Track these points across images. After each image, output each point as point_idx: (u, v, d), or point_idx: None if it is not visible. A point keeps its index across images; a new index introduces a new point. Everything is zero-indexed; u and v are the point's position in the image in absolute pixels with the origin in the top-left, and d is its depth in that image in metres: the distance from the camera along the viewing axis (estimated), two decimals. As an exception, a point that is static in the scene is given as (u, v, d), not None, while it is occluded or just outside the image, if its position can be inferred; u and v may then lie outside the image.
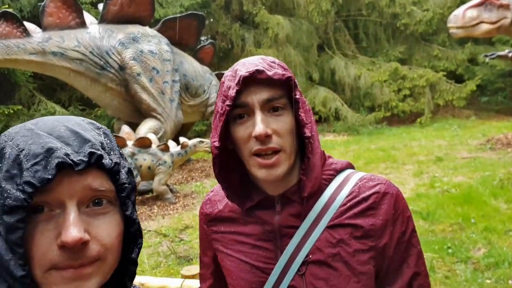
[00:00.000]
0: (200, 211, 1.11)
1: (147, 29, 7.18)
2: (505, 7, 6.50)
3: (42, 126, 0.63)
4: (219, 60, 12.93)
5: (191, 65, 7.83)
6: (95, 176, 0.61)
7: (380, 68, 12.67)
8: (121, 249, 0.66)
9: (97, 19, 7.15)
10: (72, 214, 0.59)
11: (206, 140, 6.48)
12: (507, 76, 12.61)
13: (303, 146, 0.94)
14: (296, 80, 0.93)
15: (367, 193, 0.95)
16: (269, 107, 0.90)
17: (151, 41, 7.02)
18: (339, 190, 0.97)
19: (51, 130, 0.62)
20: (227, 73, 0.96)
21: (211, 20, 13.10)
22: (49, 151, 0.59)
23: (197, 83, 7.87)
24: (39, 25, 6.31)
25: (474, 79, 12.31)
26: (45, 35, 6.21)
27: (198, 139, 6.50)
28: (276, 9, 12.63)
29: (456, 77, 12.70)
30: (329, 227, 0.94)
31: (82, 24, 6.60)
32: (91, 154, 0.60)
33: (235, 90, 0.89)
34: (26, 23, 6.15)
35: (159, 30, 7.46)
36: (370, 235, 0.93)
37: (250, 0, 12.36)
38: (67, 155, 0.59)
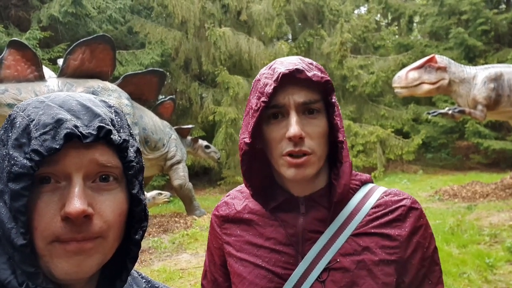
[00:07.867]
0: (214, 214, 1.08)
1: (107, 84, 7.20)
2: (443, 69, 7.19)
3: (54, 99, 0.62)
4: (177, 117, 13.04)
5: (151, 119, 7.86)
6: (103, 151, 0.61)
7: (333, 126, 13.16)
8: (123, 229, 0.65)
9: (55, 74, 7.14)
10: (77, 186, 0.58)
11: (165, 192, 6.36)
12: (448, 132, 13.59)
13: (332, 151, 0.93)
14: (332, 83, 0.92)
15: (394, 206, 0.95)
16: (305, 109, 0.89)
17: (111, 95, 7.04)
18: (365, 200, 0.96)
19: (62, 103, 0.61)
20: (263, 71, 0.94)
21: (171, 78, 13.37)
22: (59, 122, 0.58)
23: (157, 136, 7.87)
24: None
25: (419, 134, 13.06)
26: (1, 87, 6.10)
27: (156, 191, 6.38)
28: (234, 70, 13.11)
29: (403, 135, 13.46)
30: (354, 235, 0.92)
31: (41, 77, 6.54)
32: (100, 128, 0.60)
33: (272, 87, 0.87)
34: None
35: (119, 85, 7.50)
36: (395, 245, 0.92)
37: (210, 61, 12.82)
38: (76, 127, 0.58)
